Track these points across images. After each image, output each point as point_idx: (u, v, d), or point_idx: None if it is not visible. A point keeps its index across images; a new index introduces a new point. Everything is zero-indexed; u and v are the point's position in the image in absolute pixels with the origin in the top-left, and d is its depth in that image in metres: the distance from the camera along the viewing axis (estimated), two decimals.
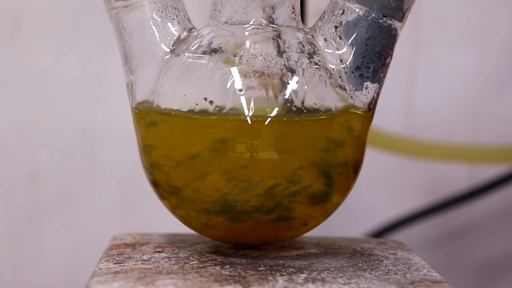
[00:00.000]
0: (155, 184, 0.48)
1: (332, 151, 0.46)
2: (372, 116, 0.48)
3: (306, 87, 0.46)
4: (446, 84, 0.76)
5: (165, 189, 0.47)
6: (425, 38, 0.75)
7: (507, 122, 0.76)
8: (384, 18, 0.47)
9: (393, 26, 0.47)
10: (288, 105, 0.45)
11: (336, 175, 0.47)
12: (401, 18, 0.47)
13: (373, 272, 0.46)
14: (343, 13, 0.47)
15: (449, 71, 0.76)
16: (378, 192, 0.76)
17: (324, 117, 0.46)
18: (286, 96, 0.45)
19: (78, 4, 0.74)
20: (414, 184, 0.77)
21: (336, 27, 0.47)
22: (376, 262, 0.48)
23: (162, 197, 0.48)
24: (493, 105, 0.76)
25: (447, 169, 0.76)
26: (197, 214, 0.47)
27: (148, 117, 0.47)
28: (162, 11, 0.48)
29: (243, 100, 0.45)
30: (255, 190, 0.45)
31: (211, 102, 0.45)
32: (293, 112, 0.45)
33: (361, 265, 0.47)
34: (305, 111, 0.45)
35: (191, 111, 0.46)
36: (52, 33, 0.74)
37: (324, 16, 0.48)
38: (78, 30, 0.74)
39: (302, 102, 0.46)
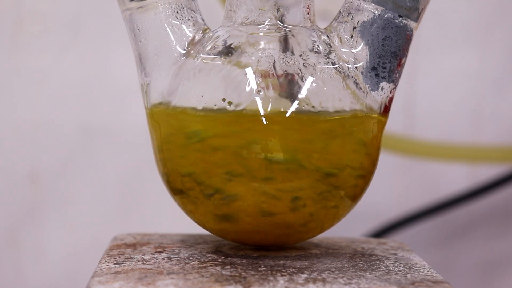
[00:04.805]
0: (169, 181, 0.48)
1: (348, 152, 0.46)
2: (387, 116, 0.48)
3: (323, 87, 0.46)
4: (446, 84, 0.76)
5: (178, 186, 0.47)
6: (425, 38, 0.75)
7: (507, 122, 0.76)
8: (400, 18, 0.47)
9: (408, 26, 0.47)
10: (306, 105, 0.45)
11: (351, 176, 0.47)
12: (417, 18, 0.47)
13: (373, 272, 0.46)
14: (358, 13, 0.47)
15: (449, 71, 0.76)
16: (378, 192, 0.76)
17: (341, 117, 0.46)
18: (303, 96, 0.45)
19: (78, 4, 0.74)
20: (414, 184, 0.77)
21: (352, 27, 0.47)
22: (377, 262, 0.48)
23: (174, 193, 0.48)
24: (493, 105, 0.76)
25: (447, 169, 0.76)
26: (211, 213, 0.47)
27: (164, 118, 0.47)
28: (177, 12, 0.48)
29: (260, 100, 0.45)
30: (271, 191, 0.45)
31: (229, 103, 0.45)
32: (310, 112, 0.45)
33: (361, 265, 0.47)
34: (322, 111, 0.45)
35: (208, 111, 0.46)
36: (53, 33, 0.74)
37: (339, 17, 0.48)
38: (79, 30, 0.74)
39: (320, 103, 0.45)
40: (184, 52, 0.48)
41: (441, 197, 0.74)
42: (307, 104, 0.45)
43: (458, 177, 0.76)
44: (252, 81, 0.45)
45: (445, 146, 0.75)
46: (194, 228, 0.53)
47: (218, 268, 0.46)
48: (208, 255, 0.49)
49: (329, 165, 0.46)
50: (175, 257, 0.48)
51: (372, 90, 0.47)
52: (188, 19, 0.48)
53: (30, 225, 0.75)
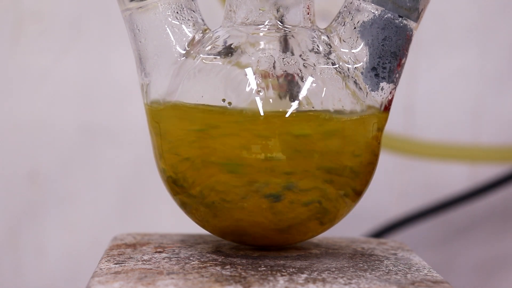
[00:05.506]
0: (168, 180, 0.48)
1: (348, 152, 0.46)
2: (387, 116, 0.48)
3: (323, 88, 0.46)
4: (446, 84, 0.76)
5: (178, 184, 0.47)
6: (425, 38, 0.75)
7: (508, 122, 0.76)
8: (400, 19, 0.47)
9: (408, 27, 0.47)
10: (306, 105, 0.45)
11: (351, 177, 0.47)
12: (417, 18, 0.47)
13: (373, 272, 0.46)
14: (358, 13, 0.47)
15: (449, 71, 0.76)
16: (378, 192, 0.76)
17: (341, 117, 0.46)
18: (303, 97, 0.45)
19: (79, 4, 0.74)
20: (414, 184, 0.77)
21: (352, 27, 0.47)
22: (377, 262, 0.48)
23: (174, 193, 0.48)
24: (493, 105, 0.76)
25: (447, 169, 0.76)
26: (211, 213, 0.47)
27: (164, 118, 0.47)
28: (177, 12, 0.48)
29: (260, 100, 0.45)
30: (272, 191, 0.45)
31: (229, 103, 0.45)
32: (311, 112, 0.45)
33: (361, 265, 0.47)
34: (322, 111, 0.45)
35: (208, 111, 0.46)
36: (53, 33, 0.74)
37: (339, 17, 0.48)
38: (79, 30, 0.74)
39: (320, 103, 0.45)
40: (184, 52, 0.48)
41: (441, 197, 0.74)
42: (307, 104, 0.45)
43: (458, 177, 0.76)
44: (252, 81, 0.45)
45: (445, 146, 0.75)
46: (194, 228, 0.53)
47: (218, 268, 0.46)
48: (208, 255, 0.49)
49: (329, 166, 0.46)
50: (175, 257, 0.48)
51: (372, 90, 0.47)
52: (188, 19, 0.48)
53: (30, 225, 0.75)
